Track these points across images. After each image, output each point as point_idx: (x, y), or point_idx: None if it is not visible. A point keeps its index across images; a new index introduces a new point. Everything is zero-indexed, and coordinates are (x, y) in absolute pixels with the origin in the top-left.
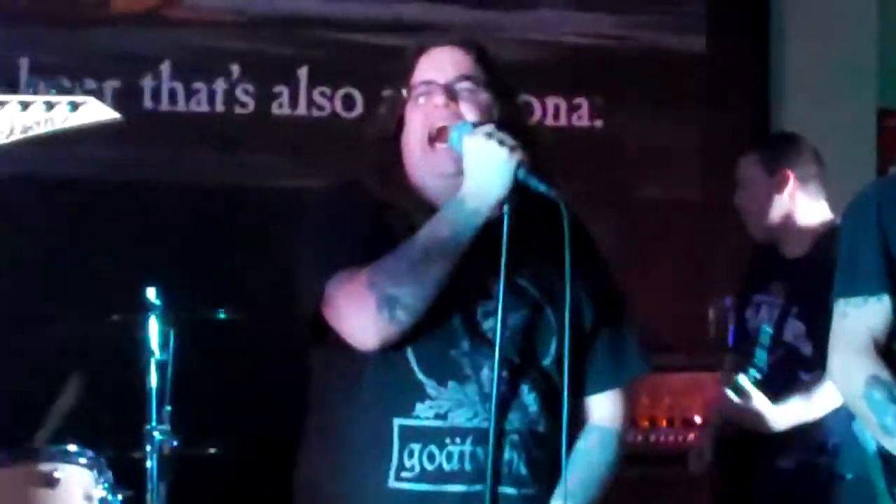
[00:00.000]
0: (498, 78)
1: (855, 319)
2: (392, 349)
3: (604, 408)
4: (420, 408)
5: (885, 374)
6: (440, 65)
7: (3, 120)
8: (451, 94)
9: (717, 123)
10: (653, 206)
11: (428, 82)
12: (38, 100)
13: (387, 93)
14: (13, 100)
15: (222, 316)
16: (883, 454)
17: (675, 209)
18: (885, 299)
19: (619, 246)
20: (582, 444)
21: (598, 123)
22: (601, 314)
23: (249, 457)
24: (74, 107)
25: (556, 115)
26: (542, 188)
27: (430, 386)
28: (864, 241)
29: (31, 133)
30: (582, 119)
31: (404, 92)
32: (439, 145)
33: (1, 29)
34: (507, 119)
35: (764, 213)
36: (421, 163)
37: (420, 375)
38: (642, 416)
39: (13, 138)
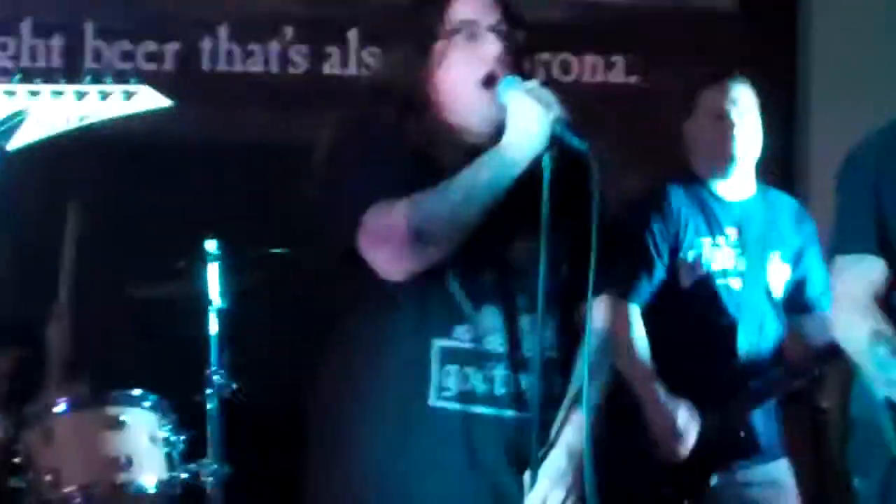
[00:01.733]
0: (518, 18)
1: (854, 276)
2: (433, 273)
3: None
4: (459, 330)
5: (887, 329)
6: (479, 5)
7: (60, 109)
8: (498, 37)
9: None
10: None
11: (471, 22)
12: (93, 89)
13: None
14: (69, 90)
15: (277, 251)
16: (891, 403)
17: None
18: (880, 259)
19: None
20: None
21: (634, 80)
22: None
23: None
24: (128, 95)
25: (594, 73)
26: (575, 143)
27: (467, 309)
28: (859, 200)
29: (86, 121)
30: (618, 76)
31: (438, 28)
32: (492, 90)
33: None
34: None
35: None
36: (469, 105)
37: (459, 298)
38: None
39: (70, 126)
